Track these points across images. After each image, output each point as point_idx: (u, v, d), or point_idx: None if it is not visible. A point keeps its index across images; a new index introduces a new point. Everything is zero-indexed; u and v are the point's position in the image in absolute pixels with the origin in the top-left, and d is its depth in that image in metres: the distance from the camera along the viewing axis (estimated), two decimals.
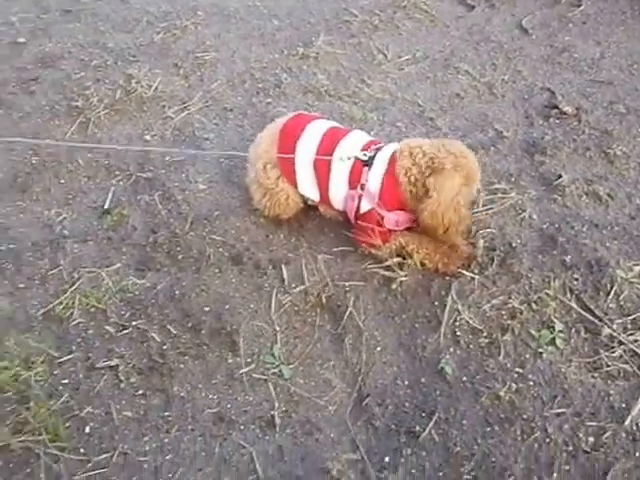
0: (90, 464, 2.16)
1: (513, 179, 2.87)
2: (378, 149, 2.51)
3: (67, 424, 2.26)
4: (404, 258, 2.51)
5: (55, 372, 2.40)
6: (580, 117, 3.17)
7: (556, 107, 3.21)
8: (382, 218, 2.45)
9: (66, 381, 2.37)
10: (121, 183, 3.04)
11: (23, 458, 2.19)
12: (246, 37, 3.83)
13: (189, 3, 4.16)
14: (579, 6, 3.90)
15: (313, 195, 2.63)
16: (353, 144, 2.50)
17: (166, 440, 2.20)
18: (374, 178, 2.45)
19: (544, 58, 3.60)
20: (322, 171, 2.52)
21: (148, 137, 3.22)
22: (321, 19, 3.95)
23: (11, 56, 3.84)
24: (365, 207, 2.48)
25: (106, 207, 2.92)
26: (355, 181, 2.49)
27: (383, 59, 3.62)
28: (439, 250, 2.47)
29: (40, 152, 3.21)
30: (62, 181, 3.10)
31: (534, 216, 2.69)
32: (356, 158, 2.48)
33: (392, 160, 2.46)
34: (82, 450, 2.20)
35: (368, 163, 2.49)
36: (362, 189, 2.48)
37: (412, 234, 2.51)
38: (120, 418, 2.25)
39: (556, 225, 2.64)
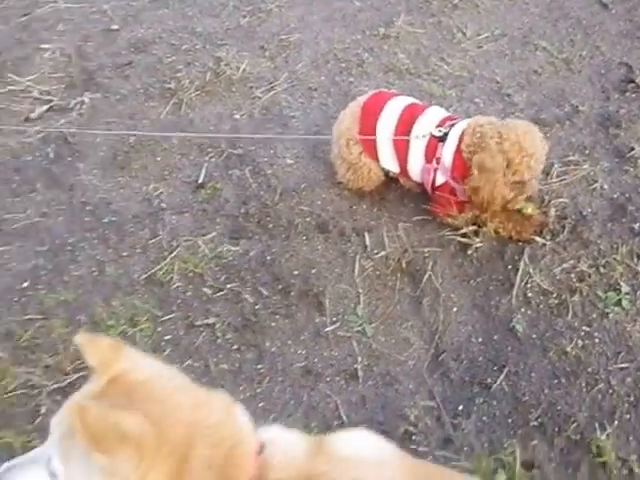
0: None
1: (587, 151, 3.12)
2: (452, 125, 2.80)
3: None
4: (479, 226, 2.80)
5: (158, 329, 2.79)
6: None
7: (632, 81, 3.42)
8: (456, 190, 2.74)
9: (168, 337, 2.76)
10: (213, 160, 3.41)
11: None
12: (328, 19, 4.14)
13: None
14: None
15: (393, 168, 2.94)
16: (430, 120, 2.79)
17: (259, 390, 2.55)
18: (447, 153, 2.74)
19: (623, 33, 3.80)
20: (401, 147, 2.83)
21: (237, 116, 3.58)
22: (401, 0, 4.23)
23: (105, 43, 4.26)
24: (440, 180, 2.77)
25: (200, 182, 3.30)
26: (431, 155, 2.79)
27: (462, 37, 3.89)
28: (512, 218, 2.74)
29: (137, 132, 3.61)
30: (158, 159, 3.50)
31: (605, 186, 2.93)
32: (431, 135, 2.77)
33: (462, 136, 2.75)
34: None
35: (442, 139, 2.78)
36: (437, 163, 2.77)
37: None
38: (217, 370, 2.62)
39: (627, 195, 2.88)
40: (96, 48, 4.21)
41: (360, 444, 1.52)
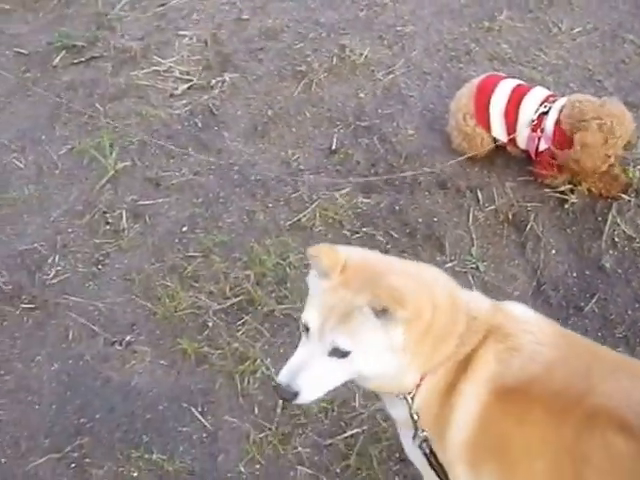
0: None
1: None
2: (554, 101, 3.63)
3: None
4: (574, 185, 3.62)
5: (305, 263, 3.65)
6: None
7: None
8: (555, 155, 3.57)
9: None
10: (342, 131, 4.28)
11: (284, 321, 3.46)
12: (437, 13, 4.99)
13: None
14: None
15: (503, 137, 3.77)
16: (535, 99, 3.62)
17: None
18: (550, 124, 3.57)
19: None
20: (511, 116, 3.66)
21: (362, 95, 4.45)
22: None
23: (237, 30, 5.16)
24: (543, 146, 3.60)
25: (333, 148, 4.17)
26: (537, 126, 3.61)
27: (557, 31, 4.70)
28: (602, 179, 3.55)
29: (274, 106, 4.50)
30: (293, 129, 4.38)
31: None
32: (540, 113, 3.59)
33: (561, 110, 3.57)
34: None
35: (547, 112, 3.61)
36: (541, 132, 3.60)
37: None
38: None
39: None
40: (229, 35, 5.10)
41: (525, 310, 2.17)
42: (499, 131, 3.70)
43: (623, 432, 1.75)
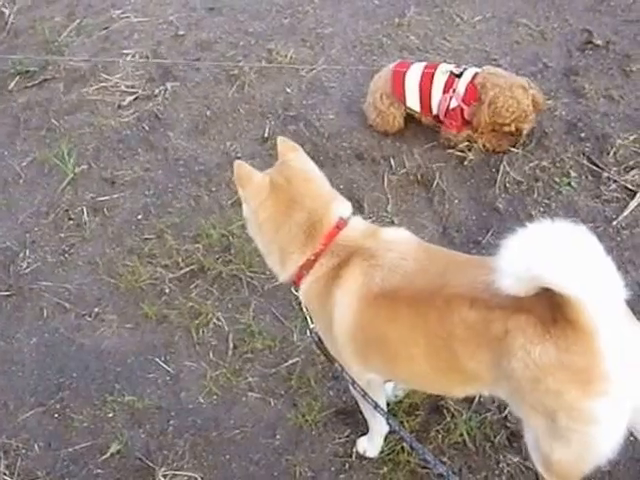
0: (272, 280, 4.10)
1: (552, 93, 4.73)
2: (466, 69, 4.44)
3: (257, 259, 4.23)
4: (471, 142, 4.44)
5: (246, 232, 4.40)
6: (608, 48, 4.99)
7: (591, 42, 5.05)
8: (463, 110, 4.36)
9: None
10: (272, 122, 5.05)
11: (231, 281, 4.19)
12: (354, 15, 5.81)
13: None
14: None
15: (417, 107, 4.55)
16: (446, 67, 4.43)
17: None
18: (462, 85, 4.34)
19: (587, 8, 5.41)
20: (425, 88, 4.43)
21: (288, 90, 5.24)
22: None
23: (175, 45, 5.95)
24: (453, 104, 4.38)
25: (266, 136, 4.95)
26: (449, 88, 4.40)
27: (460, 21, 5.53)
28: (494, 136, 4.37)
29: (212, 107, 5.28)
30: (230, 125, 5.15)
31: (563, 113, 4.55)
32: (451, 72, 4.40)
33: (475, 74, 4.36)
34: (267, 272, 4.16)
35: (459, 75, 4.41)
36: (453, 92, 4.39)
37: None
38: None
39: (578, 117, 4.49)
40: (168, 50, 5.89)
41: (399, 234, 2.78)
42: (414, 101, 4.48)
43: (473, 305, 2.38)
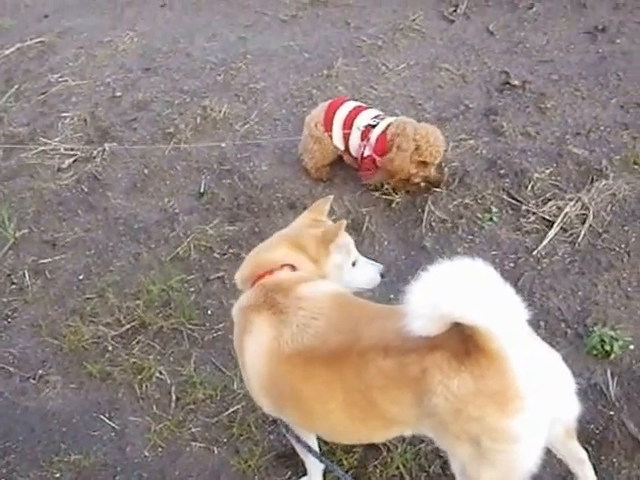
0: (212, 331, 4.24)
1: (474, 133, 4.94)
2: (383, 118, 4.63)
3: (197, 311, 4.36)
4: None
5: (185, 285, 4.51)
6: (525, 87, 5.22)
7: (508, 83, 5.28)
8: (375, 160, 4.56)
9: (192, 289, 4.48)
10: (208, 177, 5.19)
11: (172, 334, 4.30)
12: (285, 69, 6.01)
13: (239, 50, 6.37)
14: (531, 8, 6.02)
15: (341, 146, 4.72)
16: (368, 115, 4.62)
17: None
18: (374, 136, 4.56)
19: (504, 51, 5.67)
20: (347, 128, 4.62)
21: (223, 145, 5.40)
22: (340, 47, 6.13)
23: (112, 106, 6.10)
24: (367, 153, 4.58)
25: (202, 191, 5.09)
26: (365, 136, 4.59)
27: (385, 69, 5.74)
28: (405, 183, 4.54)
29: (149, 165, 5.41)
30: (167, 182, 5.28)
31: (484, 152, 4.75)
32: (368, 125, 4.59)
33: (387, 127, 4.57)
34: (207, 324, 4.29)
35: (374, 126, 4.60)
36: (367, 141, 4.58)
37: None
38: (228, 305, 4.33)
39: (498, 154, 4.68)
40: (106, 111, 6.03)
41: (317, 288, 2.86)
42: (338, 141, 4.67)
43: (387, 354, 2.48)
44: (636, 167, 4.39)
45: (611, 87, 5.09)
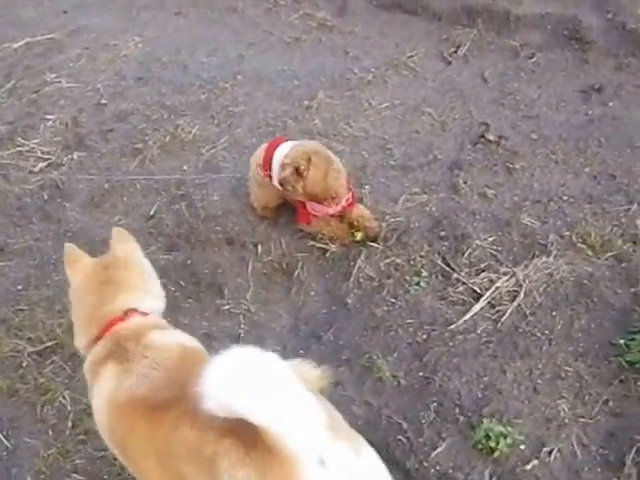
0: None
1: (433, 187, 4.80)
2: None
3: None
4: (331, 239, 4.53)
5: None
6: (500, 143, 5.06)
7: (483, 136, 5.14)
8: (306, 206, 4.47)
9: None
10: (164, 199, 5.18)
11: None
12: (269, 94, 5.96)
13: (233, 69, 6.35)
14: (532, 57, 5.84)
15: (279, 185, 4.62)
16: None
17: None
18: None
19: (492, 100, 5.52)
20: None
21: (185, 167, 5.38)
22: (330, 77, 6.05)
23: (95, 114, 6.13)
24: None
25: (151, 214, 5.08)
26: None
27: (368, 107, 5.64)
28: (334, 226, 4.44)
29: (111, 180, 5.42)
30: (125, 199, 5.28)
31: (434, 209, 4.61)
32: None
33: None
34: None
35: None
36: None
37: (325, 220, 4.50)
38: None
39: (445, 214, 4.55)
40: (88, 118, 6.07)
41: (166, 338, 2.85)
42: (276, 181, 4.59)
43: (193, 425, 2.39)
44: (583, 247, 4.20)
45: (589, 154, 4.88)
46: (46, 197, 5.35)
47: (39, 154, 5.78)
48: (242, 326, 4.25)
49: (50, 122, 6.07)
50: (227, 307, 4.34)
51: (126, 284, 2.99)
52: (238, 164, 5.22)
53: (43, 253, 4.96)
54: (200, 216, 4.85)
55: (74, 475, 3.70)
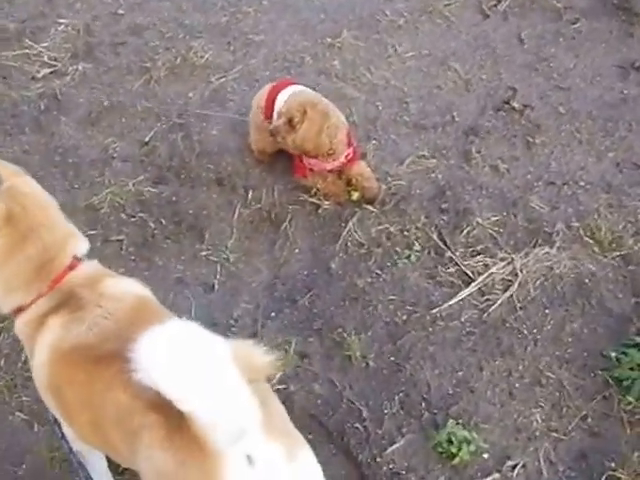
0: None
1: (443, 151, 4.42)
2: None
3: None
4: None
5: None
6: (524, 112, 4.64)
7: (508, 103, 4.71)
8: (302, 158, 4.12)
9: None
10: (163, 126, 4.84)
11: None
12: (293, 26, 5.53)
13: None
14: (575, 23, 5.35)
15: None
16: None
17: None
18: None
19: (525, 64, 5.07)
20: None
21: (191, 95, 5.02)
22: (359, 16, 5.60)
23: (110, 23, 5.74)
24: None
25: (146, 140, 4.75)
26: None
27: (393, 53, 5.21)
28: (331, 187, 4.10)
29: (112, 98, 5.08)
30: (123, 120, 4.94)
31: (440, 176, 4.24)
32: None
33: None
34: None
35: None
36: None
37: (322, 175, 4.14)
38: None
39: (451, 184, 4.18)
40: (101, 27, 5.69)
41: (122, 286, 2.56)
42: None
43: (126, 390, 2.12)
44: (590, 241, 3.83)
45: (616, 137, 4.47)
46: (43, 107, 5.03)
47: (45, 59, 5.44)
48: (218, 276, 3.95)
49: (62, 26, 5.70)
50: (205, 253, 4.05)
51: (59, 227, 2.62)
52: (245, 99, 4.84)
53: (28, 167, 4.50)
54: (195, 150, 4.53)
55: (18, 414, 3.50)
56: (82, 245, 2.65)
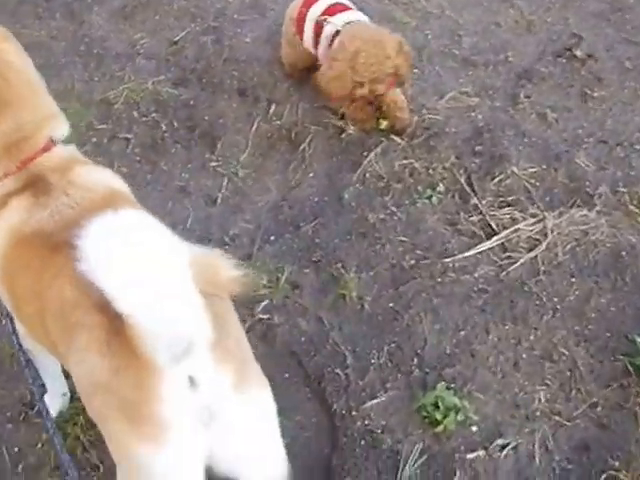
0: None
1: (489, 91, 3.88)
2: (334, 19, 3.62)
3: None
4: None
5: (90, 133, 3.80)
6: (586, 62, 4.06)
7: (570, 50, 4.13)
8: None
9: (94, 140, 3.78)
10: (197, 28, 4.38)
11: None
12: None
13: None
14: None
15: (311, 48, 3.77)
16: (344, 16, 3.63)
17: (141, 192, 3.52)
18: (322, 41, 3.62)
19: (597, 12, 4.46)
20: (317, 29, 3.69)
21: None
22: None
23: None
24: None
25: (176, 40, 4.29)
26: (317, 36, 3.63)
27: None
28: (353, 104, 3.58)
29: None
30: (157, 17, 4.49)
31: (479, 116, 3.71)
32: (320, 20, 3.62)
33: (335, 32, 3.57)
34: None
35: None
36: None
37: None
38: (116, 171, 3.60)
39: (491, 126, 3.64)
40: None
41: (95, 176, 2.21)
42: (309, 42, 3.73)
43: (73, 283, 1.82)
44: (635, 210, 3.29)
45: None
46: None
47: None
48: (223, 190, 3.52)
49: None
50: (215, 164, 3.61)
51: (39, 105, 2.26)
52: (285, 9, 4.31)
53: (52, 54, 4.29)
54: (222, 55, 4.09)
55: None
56: (62, 128, 2.29)
